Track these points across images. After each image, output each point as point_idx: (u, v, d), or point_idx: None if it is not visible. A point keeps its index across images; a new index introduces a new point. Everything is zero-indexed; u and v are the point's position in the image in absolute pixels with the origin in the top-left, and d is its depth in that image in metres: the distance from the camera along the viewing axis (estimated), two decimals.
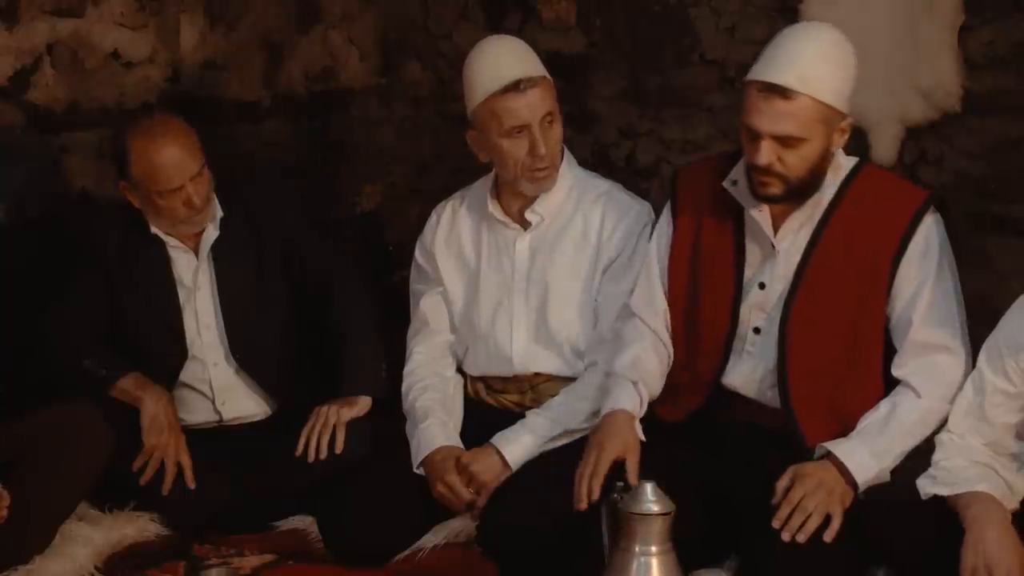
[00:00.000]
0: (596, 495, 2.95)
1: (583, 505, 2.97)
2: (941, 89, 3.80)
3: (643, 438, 3.09)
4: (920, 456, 2.98)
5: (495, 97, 3.35)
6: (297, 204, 3.92)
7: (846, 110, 3.02)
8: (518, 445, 3.35)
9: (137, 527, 3.45)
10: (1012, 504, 2.87)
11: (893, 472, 3.03)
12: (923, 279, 3.03)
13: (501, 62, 3.38)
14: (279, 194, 3.90)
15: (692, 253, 3.23)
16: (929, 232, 3.05)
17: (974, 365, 2.97)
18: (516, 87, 3.34)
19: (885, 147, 3.89)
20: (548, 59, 3.49)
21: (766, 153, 2.96)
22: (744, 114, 3.00)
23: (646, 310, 3.29)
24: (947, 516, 2.82)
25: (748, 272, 3.14)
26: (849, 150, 3.14)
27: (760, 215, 3.10)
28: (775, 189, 3.01)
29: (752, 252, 3.14)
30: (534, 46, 3.46)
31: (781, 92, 2.93)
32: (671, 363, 3.28)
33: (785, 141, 2.95)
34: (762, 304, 3.13)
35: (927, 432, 3.01)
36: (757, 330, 3.14)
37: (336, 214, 4.74)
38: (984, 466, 2.88)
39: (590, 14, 4.41)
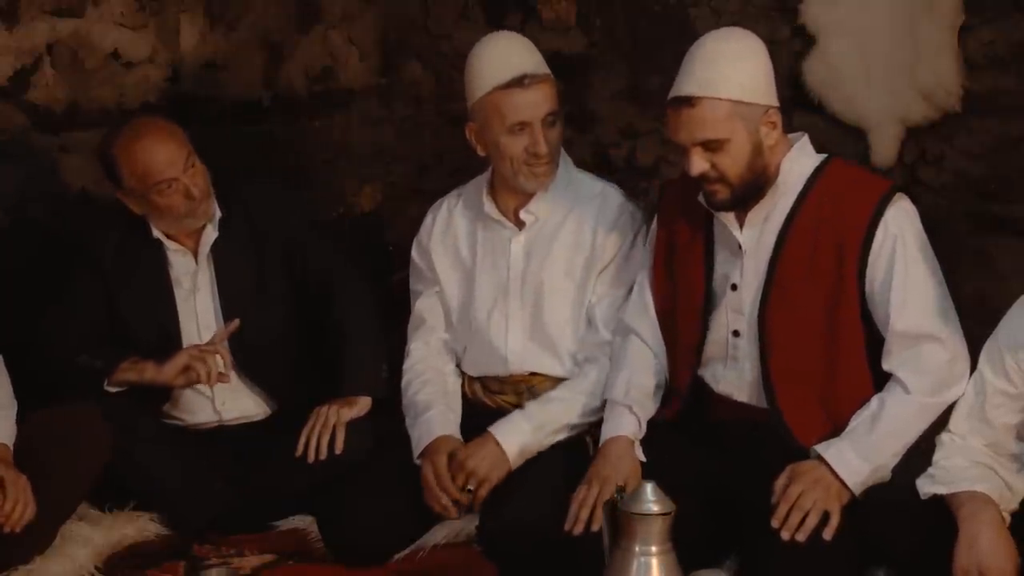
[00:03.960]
0: (596, 526, 2.98)
1: (579, 528, 3.01)
2: (941, 89, 3.79)
3: (643, 459, 3.12)
4: (921, 456, 2.98)
5: (499, 91, 3.33)
6: (297, 204, 3.92)
7: (765, 101, 3.02)
8: (515, 435, 3.32)
9: (137, 527, 3.46)
10: (1012, 505, 2.87)
11: (894, 471, 3.03)
12: (894, 269, 3.00)
13: (507, 56, 3.36)
14: (279, 194, 3.89)
15: (669, 263, 3.25)
16: (894, 221, 3.02)
17: (973, 359, 2.97)
18: (520, 82, 3.32)
19: (885, 147, 3.89)
20: (548, 59, 3.48)
21: (696, 163, 3.02)
22: (669, 133, 3.07)
23: (641, 324, 3.31)
24: (947, 516, 2.81)
25: (719, 274, 3.14)
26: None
27: (726, 216, 3.11)
28: (723, 194, 3.06)
29: (722, 254, 3.15)
30: None
31: (686, 102, 2.99)
32: (666, 374, 3.30)
33: (708, 145, 3.00)
34: (738, 306, 3.13)
35: (922, 427, 3.00)
36: (736, 333, 3.14)
37: (336, 214, 4.74)
38: (984, 467, 2.88)
39: (590, 14, 4.41)
